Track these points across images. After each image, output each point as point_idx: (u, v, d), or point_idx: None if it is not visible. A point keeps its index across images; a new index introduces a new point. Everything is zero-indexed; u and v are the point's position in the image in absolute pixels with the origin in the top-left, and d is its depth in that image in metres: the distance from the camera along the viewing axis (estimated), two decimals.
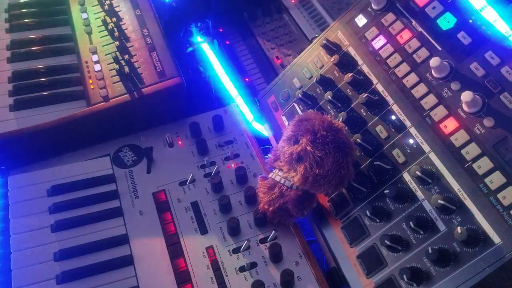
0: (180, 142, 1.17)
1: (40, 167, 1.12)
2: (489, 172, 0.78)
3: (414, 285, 0.79)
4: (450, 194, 0.81)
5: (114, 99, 1.13)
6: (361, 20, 1.06)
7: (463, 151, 0.82)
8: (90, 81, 1.18)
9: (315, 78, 1.05)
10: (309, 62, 1.12)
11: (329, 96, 1.00)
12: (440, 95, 0.88)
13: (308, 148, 0.86)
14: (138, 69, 1.17)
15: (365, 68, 1.01)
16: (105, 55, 1.22)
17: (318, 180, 0.87)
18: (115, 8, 1.33)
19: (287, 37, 1.48)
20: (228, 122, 1.19)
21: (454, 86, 0.87)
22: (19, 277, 0.93)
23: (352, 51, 1.05)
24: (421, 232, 0.81)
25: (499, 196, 0.76)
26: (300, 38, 1.46)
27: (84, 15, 1.35)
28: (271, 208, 0.95)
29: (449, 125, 0.85)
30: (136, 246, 0.98)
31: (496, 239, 0.74)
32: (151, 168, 1.12)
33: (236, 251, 0.96)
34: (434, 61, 0.88)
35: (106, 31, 1.28)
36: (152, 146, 1.15)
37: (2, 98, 1.17)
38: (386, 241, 0.82)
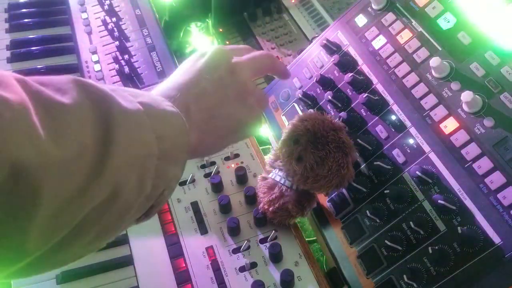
0: None
1: None
2: (489, 172, 0.78)
3: (414, 285, 0.79)
4: (450, 194, 0.81)
5: None
6: (361, 20, 1.06)
7: (463, 151, 0.82)
8: None
9: (315, 78, 1.05)
10: (309, 62, 1.11)
11: (329, 96, 1.00)
12: (440, 95, 0.88)
13: (308, 148, 0.86)
14: (138, 69, 1.17)
15: (365, 68, 1.01)
16: (105, 55, 1.22)
17: (318, 180, 0.87)
18: (115, 8, 1.33)
19: (287, 37, 1.48)
20: None
21: (454, 86, 0.87)
22: None
23: (352, 51, 1.05)
24: (421, 232, 0.81)
25: (499, 196, 0.76)
26: (300, 38, 1.46)
27: (84, 15, 1.35)
28: (271, 208, 0.94)
29: (449, 125, 0.85)
30: (136, 246, 0.98)
31: (496, 239, 0.74)
32: None
33: (236, 251, 0.96)
34: (434, 61, 0.88)
35: (106, 31, 1.28)
36: None
37: None
38: (386, 241, 0.82)
